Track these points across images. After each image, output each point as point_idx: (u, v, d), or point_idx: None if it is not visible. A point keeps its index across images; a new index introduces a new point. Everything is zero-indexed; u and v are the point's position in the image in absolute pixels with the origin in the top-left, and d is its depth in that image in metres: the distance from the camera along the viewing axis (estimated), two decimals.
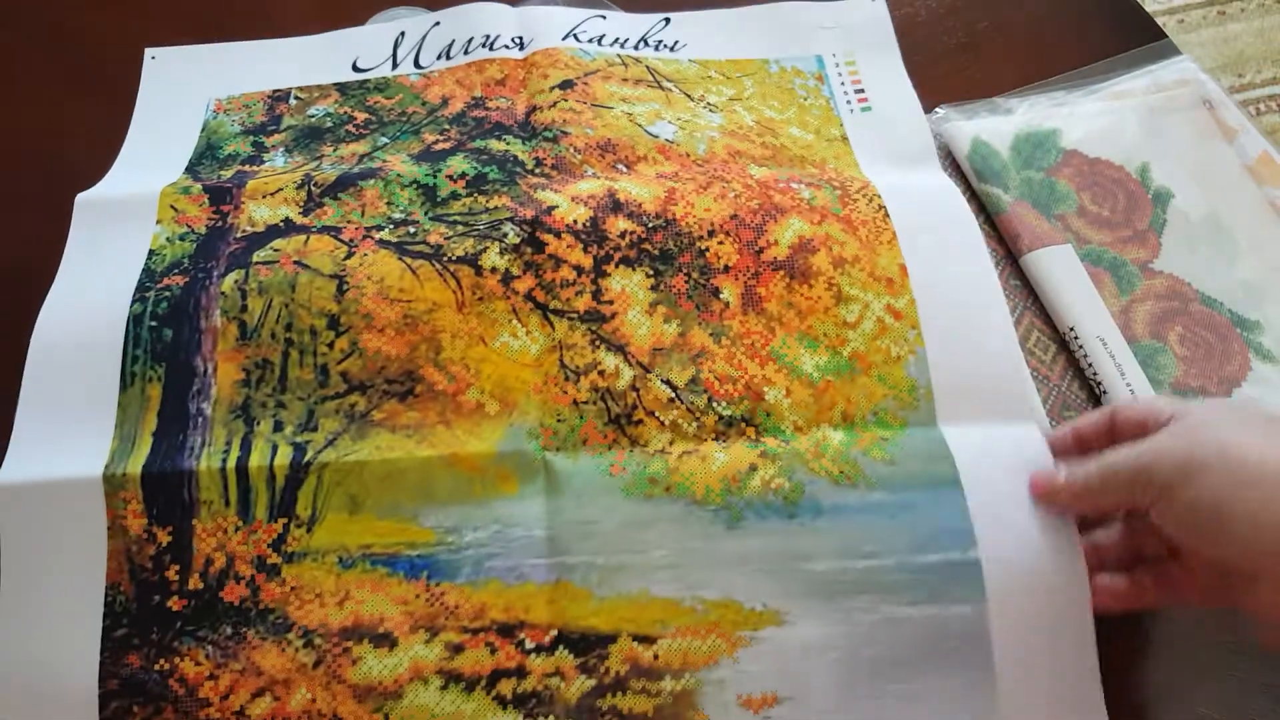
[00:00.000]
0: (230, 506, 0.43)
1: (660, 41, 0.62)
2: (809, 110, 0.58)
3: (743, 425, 0.46)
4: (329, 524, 0.43)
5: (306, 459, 0.44)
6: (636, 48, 0.61)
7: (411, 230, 0.50)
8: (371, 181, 0.52)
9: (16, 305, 0.48)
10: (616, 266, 0.48)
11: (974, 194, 0.57)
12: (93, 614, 0.42)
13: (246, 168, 0.55)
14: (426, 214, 0.51)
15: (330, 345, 0.46)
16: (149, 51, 0.61)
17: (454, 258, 0.48)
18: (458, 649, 0.42)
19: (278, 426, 0.45)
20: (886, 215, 0.51)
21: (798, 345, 0.47)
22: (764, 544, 0.43)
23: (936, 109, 0.60)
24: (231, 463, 0.44)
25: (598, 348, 0.47)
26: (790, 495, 0.43)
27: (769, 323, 0.48)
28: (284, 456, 0.44)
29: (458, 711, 0.41)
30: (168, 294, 0.48)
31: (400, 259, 0.48)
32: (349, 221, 0.50)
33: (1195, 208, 0.56)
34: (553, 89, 0.57)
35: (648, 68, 0.60)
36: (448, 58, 0.60)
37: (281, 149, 0.56)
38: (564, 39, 0.60)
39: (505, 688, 0.41)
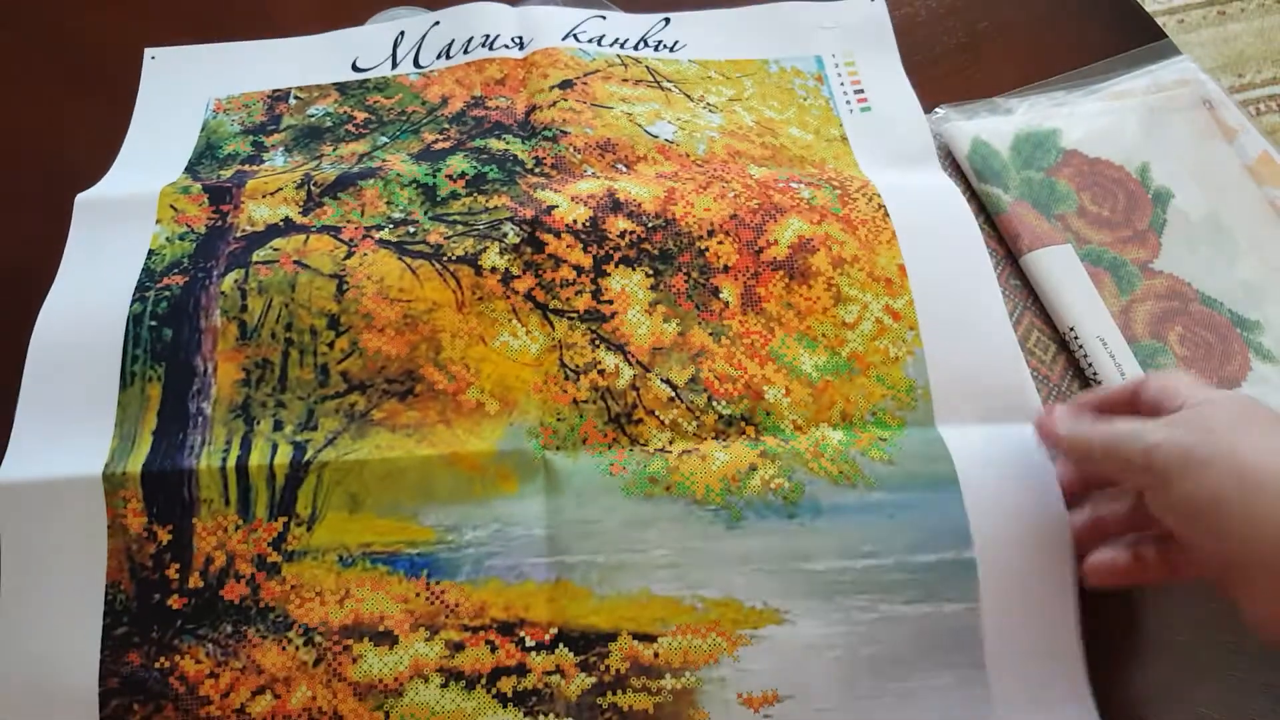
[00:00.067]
0: (230, 505, 0.43)
1: (660, 42, 0.62)
2: (809, 110, 0.59)
3: (743, 424, 0.46)
4: (329, 523, 0.43)
5: (306, 458, 0.44)
6: (636, 48, 0.61)
7: (411, 230, 0.50)
8: (371, 181, 0.52)
9: (16, 305, 0.48)
10: (616, 266, 0.48)
11: (974, 194, 0.57)
12: (93, 612, 0.42)
13: (246, 167, 0.55)
14: (426, 214, 0.51)
15: (330, 345, 0.46)
16: (149, 51, 0.61)
17: (454, 257, 0.48)
18: (458, 647, 0.42)
19: (278, 426, 0.45)
20: (886, 215, 0.51)
21: (797, 345, 0.47)
22: (764, 543, 0.43)
23: (936, 109, 0.60)
24: (231, 462, 0.44)
25: (598, 347, 0.47)
26: (790, 495, 0.44)
27: (768, 323, 0.48)
28: (284, 455, 0.44)
29: (458, 709, 0.41)
30: (168, 294, 0.48)
31: (400, 259, 0.48)
32: (349, 221, 0.50)
33: (1195, 208, 0.56)
34: (552, 89, 0.57)
35: (647, 68, 0.60)
36: (447, 57, 0.60)
37: (281, 149, 0.56)
38: (564, 39, 0.60)
39: (506, 685, 0.41)
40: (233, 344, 0.47)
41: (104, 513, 0.43)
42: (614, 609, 0.42)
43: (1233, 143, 0.58)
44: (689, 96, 0.58)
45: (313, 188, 0.52)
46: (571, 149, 0.54)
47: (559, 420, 0.45)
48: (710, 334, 0.47)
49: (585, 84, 0.57)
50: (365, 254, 0.49)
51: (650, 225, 0.49)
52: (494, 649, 0.42)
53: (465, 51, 0.60)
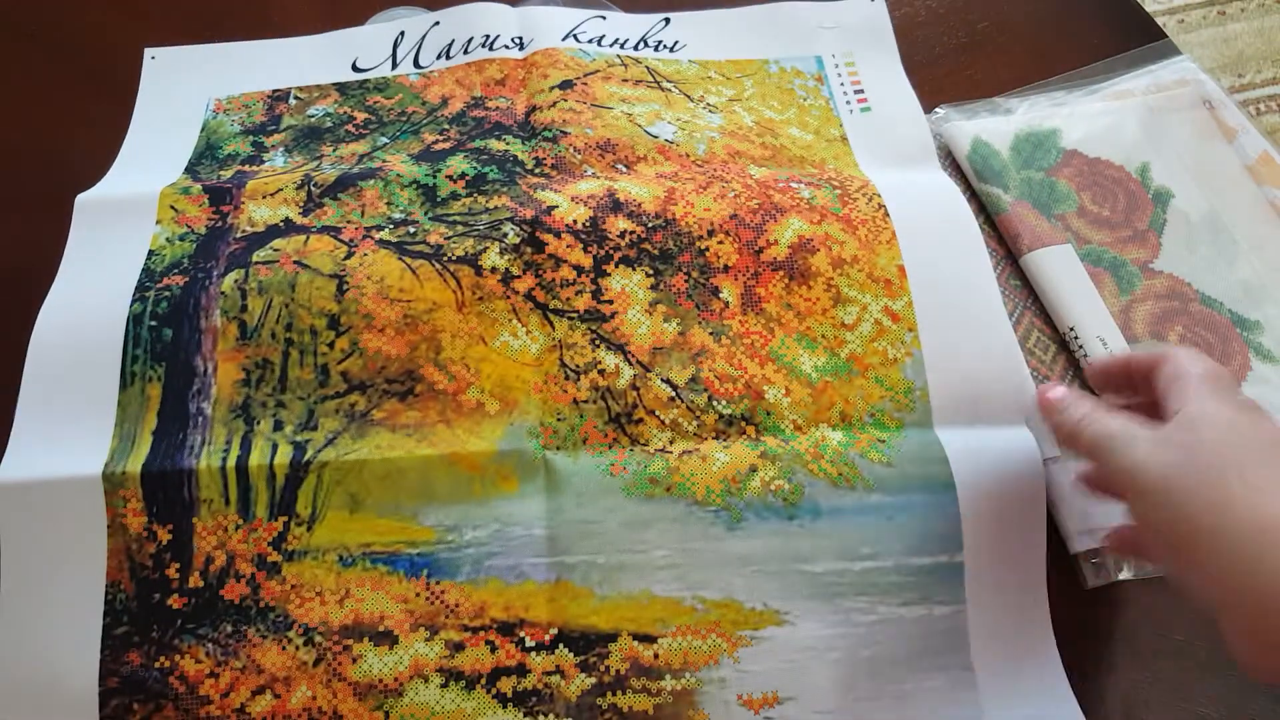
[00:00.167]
0: (230, 505, 0.43)
1: (660, 42, 0.62)
2: (808, 110, 0.59)
3: (743, 424, 0.46)
4: (329, 522, 0.43)
5: (306, 458, 0.44)
6: (636, 48, 0.61)
7: (411, 230, 0.50)
8: (371, 181, 0.52)
9: (16, 305, 0.48)
10: (616, 266, 0.48)
11: (974, 194, 0.57)
12: (93, 612, 0.42)
13: (246, 168, 0.55)
14: (426, 214, 0.51)
15: (330, 345, 0.46)
16: (149, 51, 0.61)
17: (454, 257, 0.48)
18: (458, 647, 0.42)
19: (278, 426, 0.45)
20: (886, 214, 0.51)
21: (796, 346, 0.47)
22: (764, 545, 0.43)
23: (936, 109, 0.60)
24: (231, 461, 0.44)
25: (598, 347, 0.47)
26: (790, 497, 0.44)
27: (768, 323, 0.48)
28: (284, 455, 0.44)
29: (458, 709, 0.41)
30: (168, 294, 0.48)
31: (400, 259, 0.48)
32: (349, 221, 0.50)
33: (1195, 208, 0.56)
34: (552, 89, 0.57)
35: (647, 68, 0.60)
36: (447, 58, 0.60)
37: (281, 149, 0.56)
38: (564, 39, 0.60)
39: (505, 685, 0.41)
40: (233, 344, 0.47)
41: (104, 512, 0.43)
42: (614, 609, 0.42)
43: (1233, 143, 0.58)
44: (689, 97, 0.58)
45: (313, 188, 0.52)
46: (571, 149, 0.54)
47: (559, 420, 0.45)
48: (710, 334, 0.47)
49: (585, 84, 0.57)
50: (365, 254, 0.49)
51: (650, 225, 0.49)
52: (494, 649, 0.42)
53: (465, 52, 0.60)
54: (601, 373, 0.46)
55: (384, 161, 0.54)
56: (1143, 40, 0.63)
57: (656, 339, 0.47)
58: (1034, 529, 0.44)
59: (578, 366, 0.46)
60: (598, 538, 0.43)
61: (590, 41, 0.60)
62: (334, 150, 0.56)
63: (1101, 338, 0.50)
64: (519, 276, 0.48)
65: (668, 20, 0.63)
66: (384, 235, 0.50)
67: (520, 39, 0.60)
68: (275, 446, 0.44)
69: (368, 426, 0.45)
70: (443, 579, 0.43)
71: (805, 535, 0.43)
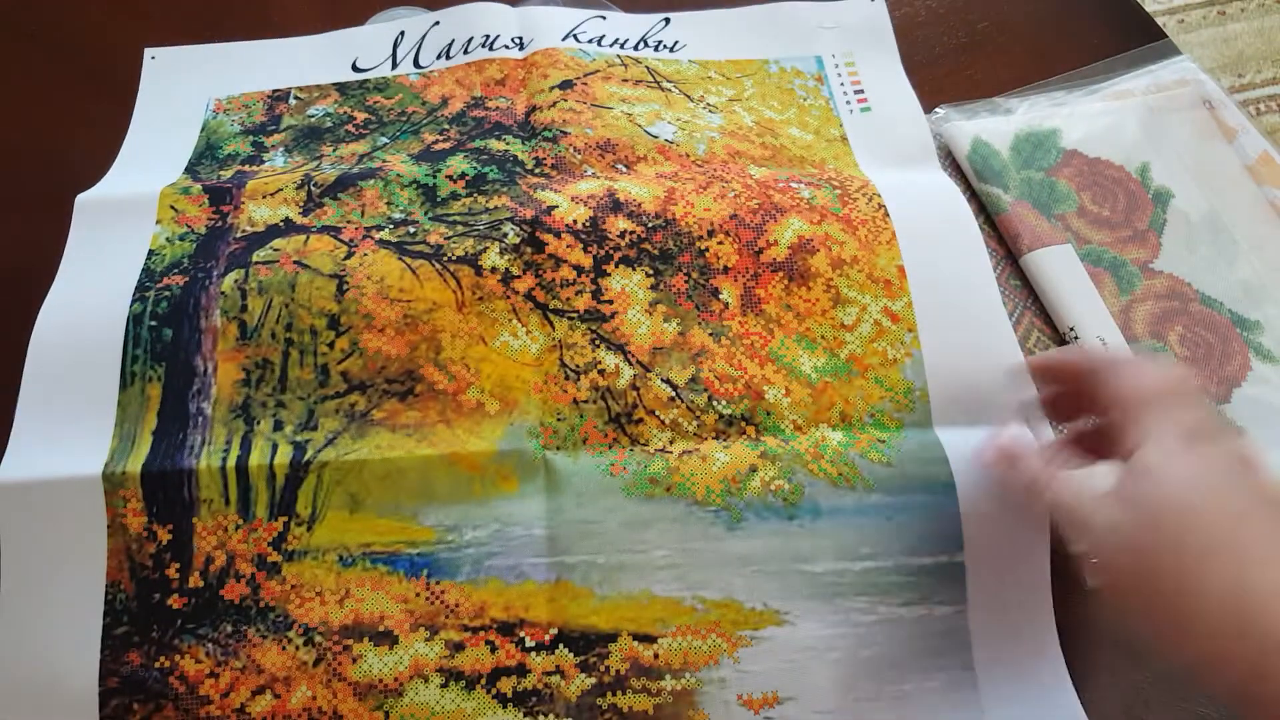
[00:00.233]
0: (230, 505, 0.43)
1: (660, 42, 0.62)
2: (808, 110, 0.59)
3: (743, 424, 0.46)
4: (329, 522, 0.43)
5: (306, 458, 0.44)
6: (636, 48, 0.61)
7: (411, 230, 0.50)
8: (371, 181, 0.52)
9: (16, 305, 0.48)
10: (616, 266, 0.48)
11: (974, 194, 0.57)
12: (93, 612, 0.42)
13: (246, 168, 0.55)
14: (426, 214, 0.51)
15: (330, 345, 0.46)
16: (149, 51, 0.61)
17: (454, 257, 0.48)
18: (458, 647, 0.42)
19: (278, 426, 0.45)
20: (886, 214, 0.51)
21: (796, 346, 0.47)
22: (764, 545, 0.43)
23: (936, 109, 0.60)
24: (231, 461, 0.44)
25: (598, 347, 0.47)
26: (790, 497, 0.44)
27: (768, 324, 0.48)
28: (284, 455, 0.44)
29: (458, 709, 0.41)
30: (168, 294, 0.48)
31: (400, 259, 0.48)
32: (349, 221, 0.50)
33: (1195, 208, 0.56)
34: (552, 89, 0.57)
35: (647, 68, 0.60)
36: (447, 57, 0.60)
37: (281, 149, 0.56)
38: (564, 39, 0.60)
39: (505, 686, 0.41)
40: (233, 344, 0.47)
41: (104, 512, 0.43)
42: (614, 609, 0.42)
43: (1233, 143, 0.58)
44: (689, 97, 0.58)
45: (313, 188, 0.52)
46: (571, 149, 0.54)
47: (559, 420, 0.45)
48: (710, 334, 0.47)
49: (585, 84, 0.57)
50: (365, 254, 0.49)
51: (650, 225, 0.49)
52: (494, 649, 0.42)
53: (465, 52, 0.60)
54: (601, 373, 0.46)
55: (384, 161, 0.54)
56: (1143, 40, 0.63)
57: (656, 339, 0.47)
58: (1035, 528, 0.43)
59: (578, 366, 0.46)
60: (598, 538, 0.43)
61: (590, 41, 0.60)
62: (334, 150, 0.56)
63: (1101, 337, 0.50)
64: (519, 276, 0.48)
65: (668, 20, 0.63)
66: (384, 235, 0.50)
67: (520, 39, 0.60)
68: (275, 446, 0.44)
69: (368, 426, 0.45)
70: (443, 579, 0.43)
71: (805, 535, 0.43)
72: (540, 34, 0.60)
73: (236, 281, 0.48)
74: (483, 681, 0.41)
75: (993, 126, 0.58)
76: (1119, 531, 0.34)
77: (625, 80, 0.58)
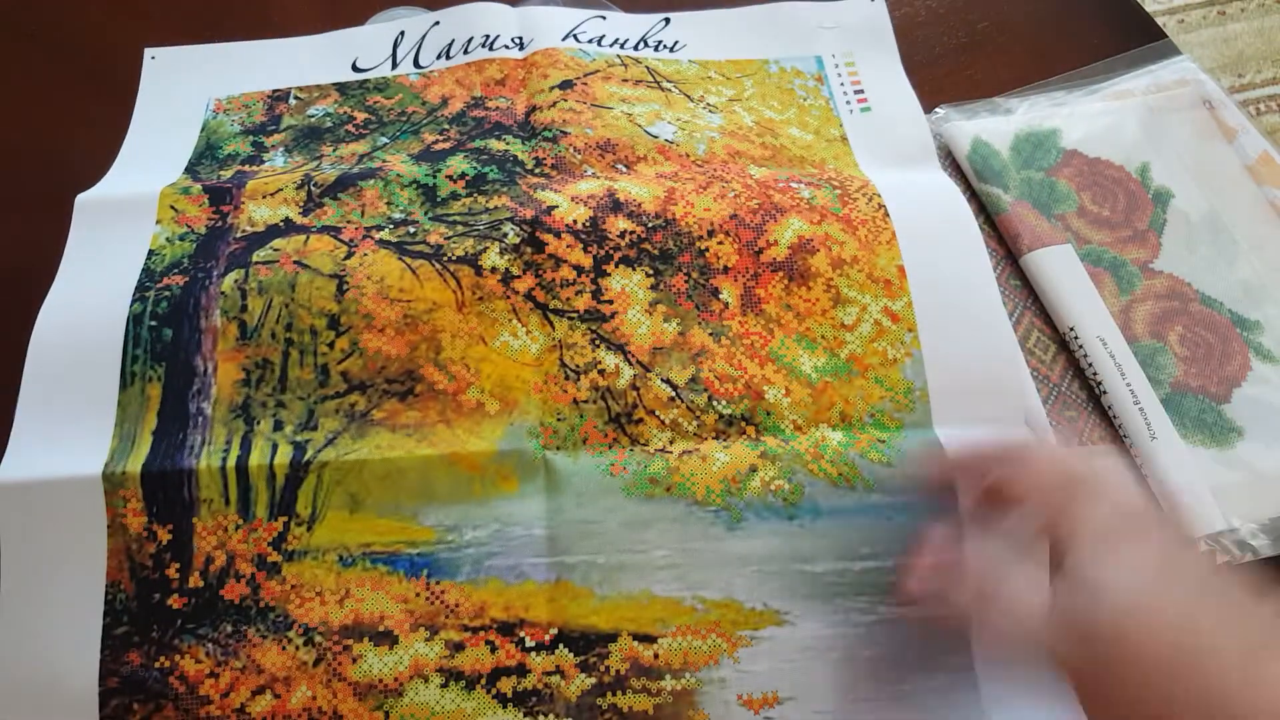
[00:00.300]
0: (230, 505, 0.43)
1: (660, 42, 0.62)
2: (808, 111, 0.59)
3: (743, 424, 0.46)
4: (329, 522, 0.43)
5: (306, 458, 0.44)
6: (636, 48, 0.61)
7: (411, 230, 0.50)
8: (371, 181, 0.52)
9: (16, 305, 0.48)
10: (616, 266, 0.48)
11: (974, 194, 0.57)
12: (93, 612, 0.42)
13: (246, 168, 0.55)
14: (426, 214, 0.51)
15: (330, 345, 0.46)
16: (149, 51, 0.61)
17: (454, 257, 0.48)
18: (458, 647, 0.42)
19: (278, 426, 0.45)
20: (886, 214, 0.51)
21: (796, 346, 0.47)
22: (764, 545, 0.43)
23: (936, 109, 0.60)
24: (231, 461, 0.44)
25: (598, 347, 0.47)
26: (790, 497, 0.44)
27: (768, 324, 0.48)
28: (284, 455, 0.44)
29: (458, 709, 0.41)
30: (168, 294, 0.48)
31: (400, 259, 0.48)
32: (349, 221, 0.50)
33: (1195, 208, 0.56)
34: (552, 89, 0.57)
35: (647, 68, 0.60)
36: (447, 57, 0.60)
37: (281, 149, 0.56)
38: (564, 39, 0.60)
39: (505, 686, 0.41)
40: (233, 344, 0.47)
41: (104, 512, 0.43)
42: (614, 609, 0.42)
43: (1233, 143, 0.58)
44: (689, 97, 0.58)
45: (313, 188, 0.52)
46: (571, 149, 0.54)
47: (559, 420, 0.45)
48: (710, 334, 0.47)
49: (585, 84, 0.58)
50: (365, 254, 0.49)
51: (650, 225, 0.49)
52: (494, 649, 0.42)
53: (465, 52, 0.60)
54: (601, 373, 0.46)
55: (384, 161, 0.54)
56: (1143, 40, 0.63)
57: (656, 339, 0.47)
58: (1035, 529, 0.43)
59: (578, 366, 0.46)
60: (598, 538, 0.43)
61: (590, 41, 0.60)
62: (334, 150, 0.56)
63: (1101, 338, 0.50)
64: (519, 276, 0.48)
65: (668, 20, 0.63)
66: (384, 235, 0.50)
67: (520, 39, 0.60)
68: (275, 446, 0.44)
69: (368, 426, 0.45)
70: (443, 579, 0.43)
71: (805, 535, 0.43)
72: (540, 34, 0.60)
73: (236, 281, 0.48)
74: (483, 681, 0.41)
75: (993, 126, 0.58)
76: (1069, 656, 0.32)
77: (625, 80, 0.58)
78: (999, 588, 0.36)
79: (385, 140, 0.56)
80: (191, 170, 0.55)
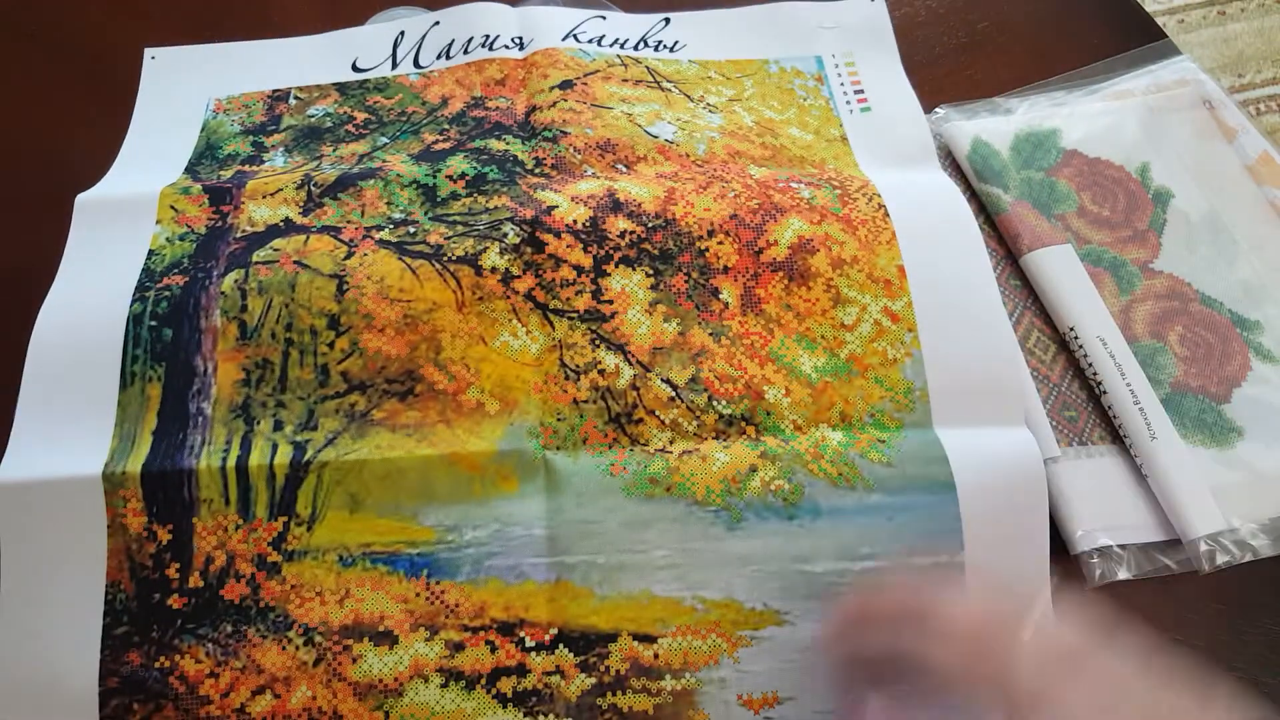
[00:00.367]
0: (230, 505, 0.43)
1: (660, 42, 0.62)
2: (808, 111, 0.59)
3: (743, 424, 0.46)
4: (329, 522, 0.43)
5: (306, 458, 0.44)
6: (636, 48, 0.61)
7: (411, 230, 0.50)
8: (371, 181, 0.52)
9: (16, 305, 0.48)
10: (616, 266, 0.48)
11: (974, 194, 0.57)
12: (93, 612, 0.42)
13: (246, 168, 0.55)
14: (426, 214, 0.51)
15: (330, 345, 0.46)
16: (149, 51, 0.61)
17: (454, 257, 0.48)
18: (458, 647, 0.42)
19: (278, 426, 0.45)
20: (886, 214, 0.51)
21: (796, 346, 0.47)
22: (764, 545, 0.43)
23: (936, 109, 0.60)
24: (231, 461, 0.44)
25: (598, 347, 0.47)
26: (790, 497, 0.44)
27: (768, 324, 0.48)
28: (284, 455, 0.44)
29: (458, 709, 0.41)
30: (168, 294, 0.48)
31: (400, 259, 0.48)
32: (349, 221, 0.50)
33: (1195, 208, 0.56)
34: (552, 89, 0.57)
35: (647, 68, 0.60)
36: (447, 57, 0.60)
37: (281, 149, 0.56)
38: (564, 39, 0.60)
39: (505, 686, 0.41)
40: (233, 344, 0.47)
41: (104, 512, 0.43)
42: (614, 609, 0.42)
43: (1233, 143, 0.58)
44: (689, 97, 0.58)
45: (313, 188, 0.52)
46: (571, 149, 0.54)
47: (559, 420, 0.45)
48: (710, 334, 0.47)
49: (585, 84, 0.58)
50: (365, 254, 0.49)
51: (650, 225, 0.49)
52: (494, 649, 0.42)
53: (465, 52, 0.60)
54: (601, 373, 0.46)
55: (384, 161, 0.54)
56: (1143, 40, 0.63)
57: (656, 339, 0.47)
58: (1036, 529, 0.43)
59: (578, 366, 0.46)
60: (598, 538, 0.43)
61: (590, 41, 0.60)
62: (334, 150, 0.56)
63: (1101, 338, 0.50)
64: (519, 276, 0.48)
65: (668, 20, 0.63)
66: (384, 235, 0.50)
67: (520, 39, 0.60)
68: (275, 446, 0.44)
69: (368, 426, 0.45)
70: (443, 579, 0.43)
71: (805, 535, 0.43)
72: (540, 34, 0.60)
73: (236, 281, 0.48)
74: (483, 681, 0.41)
75: (993, 126, 0.58)
76: None
77: (625, 80, 0.58)
78: None
79: (385, 140, 0.56)
80: (191, 170, 0.55)
